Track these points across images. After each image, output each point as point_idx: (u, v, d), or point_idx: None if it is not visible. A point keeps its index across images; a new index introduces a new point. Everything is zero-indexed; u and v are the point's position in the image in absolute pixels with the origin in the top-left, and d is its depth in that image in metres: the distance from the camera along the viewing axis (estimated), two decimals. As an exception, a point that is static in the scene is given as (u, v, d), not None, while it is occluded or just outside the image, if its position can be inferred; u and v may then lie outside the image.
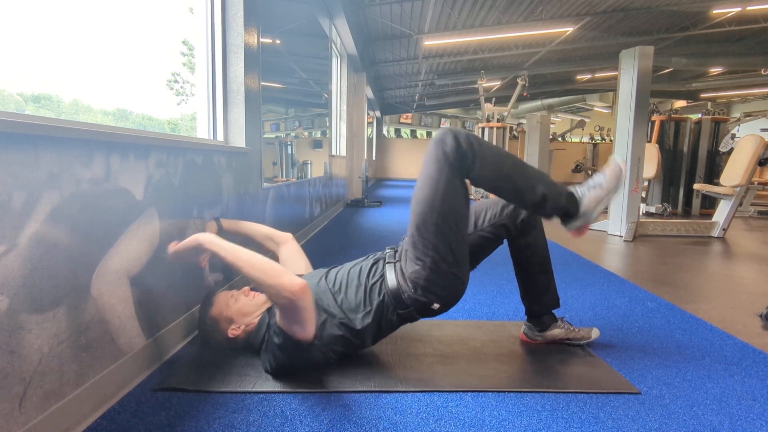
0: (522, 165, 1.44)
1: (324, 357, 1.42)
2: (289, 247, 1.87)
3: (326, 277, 1.54)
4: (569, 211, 1.44)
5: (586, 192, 1.45)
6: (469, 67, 11.08)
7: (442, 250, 1.37)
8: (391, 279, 1.43)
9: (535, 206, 1.43)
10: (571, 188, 1.47)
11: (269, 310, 1.53)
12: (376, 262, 1.52)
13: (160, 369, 1.45)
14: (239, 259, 1.32)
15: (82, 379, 1.14)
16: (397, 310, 1.43)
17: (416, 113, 19.30)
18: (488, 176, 1.40)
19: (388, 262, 1.48)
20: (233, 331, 1.48)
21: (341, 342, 1.42)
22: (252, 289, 1.59)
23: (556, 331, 1.68)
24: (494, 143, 8.37)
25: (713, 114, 6.79)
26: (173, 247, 1.45)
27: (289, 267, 1.79)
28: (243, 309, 1.51)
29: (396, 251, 1.53)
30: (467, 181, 1.42)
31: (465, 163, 1.37)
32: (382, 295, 1.43)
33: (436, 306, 1.42)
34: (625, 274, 2.87)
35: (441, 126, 17.18)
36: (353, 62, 7.53)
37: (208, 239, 1.39)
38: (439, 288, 1.40)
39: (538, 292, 1.69)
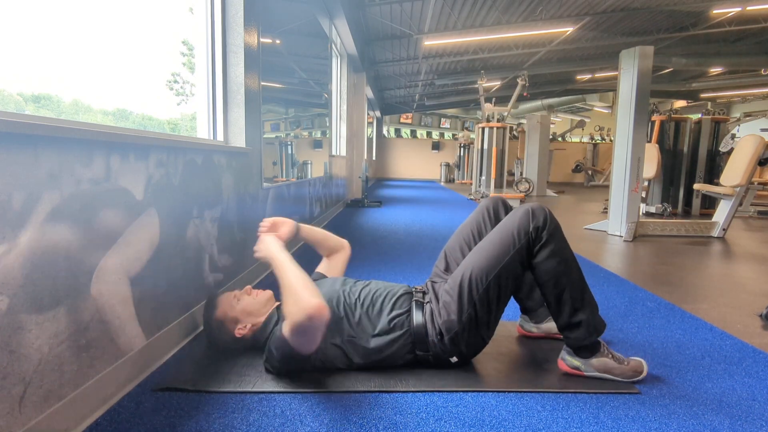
0: (583, 283, 1.43)
1: (321, 364, 1.41)
2: (345, 252, 1.85)
3: (352, 288, 1.52)
4: (584, 350, 1.42)
5: (608, 355, 1.42)
6: (469, 67, 11.09)
7: (480, 311, 1.39)
8: (418, 319, 1.43)
9: (567, 326, 1.42)
10: (601, 340, 1.44)
11: (278, 308, 1.53)
12: (406, 294, 1.51)
13: (160, 369, 1.45)
14: (279, 274, 1.34)
15: (82, 379, 1.14)
16: (415, 350, 1.43)
17: (416, 113, 19.31)
18: (547, 269, 1.39)
19: (416, 301, 1.48)
20: (240, 331, 1.48)
21: (340, 355, 1.42)
22: (254, 288, 1.59)
23: (551, 324, 1.68)
24: (494, 143, 8.43)
25: (713, 114, 6.79)
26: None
27: (331, 267, 1.80)
28: (247, 308, 1.51)
29: (424, 293, 1.52)
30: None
31: (537, 244, 1.38)
32: (404, 329, 1.43)
33: (454, 359, 1.44)
34: (625, 274, 2.87)
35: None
36: (353, 62, 7.53)
37: (272, 253, 1.41)
38: (464, 344, 1.42)
39: (528, 288, 1.69)
